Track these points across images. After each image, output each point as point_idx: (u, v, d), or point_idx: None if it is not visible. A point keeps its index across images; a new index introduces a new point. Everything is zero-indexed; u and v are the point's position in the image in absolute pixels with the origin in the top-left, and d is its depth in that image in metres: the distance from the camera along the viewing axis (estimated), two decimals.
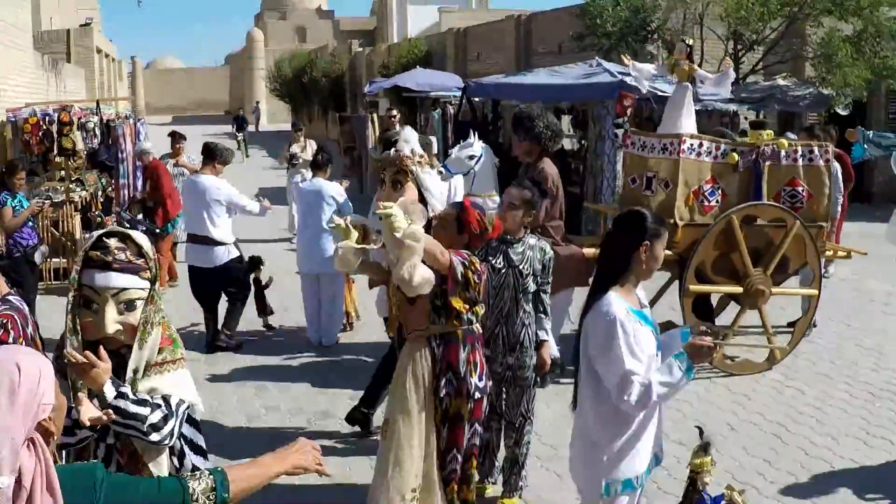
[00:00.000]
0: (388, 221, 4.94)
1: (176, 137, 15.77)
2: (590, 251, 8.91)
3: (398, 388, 5.68)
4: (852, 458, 7.63)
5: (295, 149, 18.59)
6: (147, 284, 3.44)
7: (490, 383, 5.92)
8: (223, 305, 11.04)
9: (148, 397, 3.44)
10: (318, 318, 10.92)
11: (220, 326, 10.90)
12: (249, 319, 11.44)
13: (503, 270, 6.37)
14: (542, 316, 6.58)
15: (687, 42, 10.92)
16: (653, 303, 6.84)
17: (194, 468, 3.52)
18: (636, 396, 4.24)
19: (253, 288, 11.56)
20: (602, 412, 4.48)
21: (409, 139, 5.91)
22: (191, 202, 10.95)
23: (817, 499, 6.93)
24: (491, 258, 6.35)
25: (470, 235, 5.68)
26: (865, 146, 8.29)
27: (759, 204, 9.49)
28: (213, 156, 10.90)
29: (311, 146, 18.31)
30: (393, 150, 5.91)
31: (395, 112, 21.80)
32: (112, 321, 3.36)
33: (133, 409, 3.35)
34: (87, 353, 3.29)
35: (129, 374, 3.42)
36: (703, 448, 4.96)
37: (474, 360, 5.70)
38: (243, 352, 10.66)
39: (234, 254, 10.88)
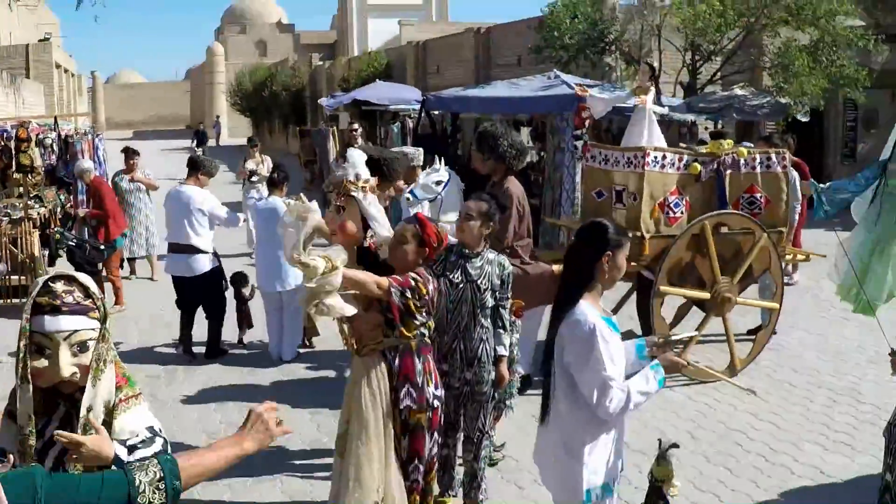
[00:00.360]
0: (305, 271, 5.06)
1: (129, 153, 15.72)
2: (559, 268, 8.91)
3: (354, 404, 5.65)
4: (813, 463, 7.68)
5: (250, 164, 18.49)
6: (97, 324, 3.38)
7: (443, 392, 5.94)
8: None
9: (144, 435, 3.40)
10: (280, 333, 10.89)
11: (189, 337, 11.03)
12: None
13: (461, 285, 6.35)
14: (501, 331, 6.56)
15: (650, 63, 11.09)
16: (613, 312, 6.86)
17: (142, 459, 3.47)
18: (616, 403, 4.34)
19: (236, 303, 11.68)
20: (582, 419, 4.51)
21: (355, 163, 5.88)
22: (173, 212, 11.04)
23: None
24: (449, 273, 6.35)
25: (430, 248, 5.71)
26: (822, 197, 8.29)
27: (730, 213, 9.63)
28: (197, 167, 11.16)
29: (267, 162, 18.27)
30: (339, 172, 5.88)
31: (356, 126, 21.75)
32: (67, 364, 3.29)
33: (148, 452, 3.32)
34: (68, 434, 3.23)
35: (83, 411, 3.36)
36: (663, 456, 4.98)
37: (429, 370, 5.77)
38: (203, 368, 10.60)
39: (214, 264, 10.99)
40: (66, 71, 45.79)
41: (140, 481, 2.80)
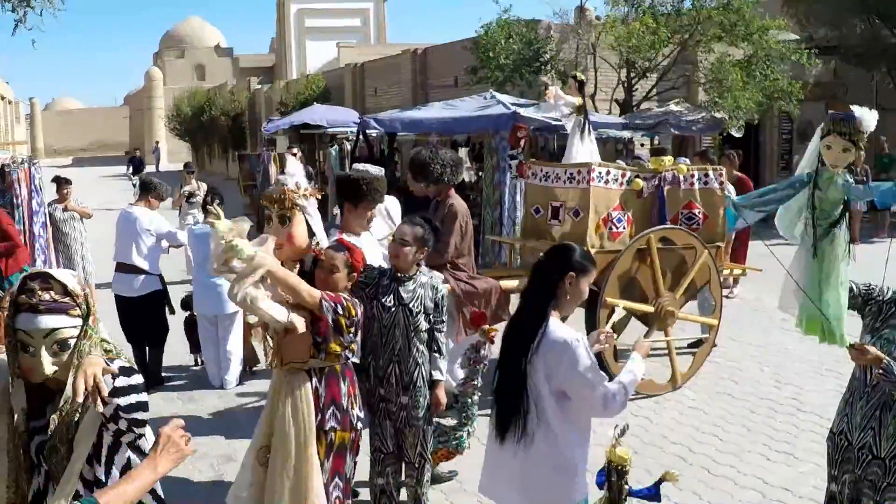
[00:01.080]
0: (232, 250, 5.06)
1: (61, 183, 15.54)
2: (507, 283, 8.91)
3: (277, 419, 5.56)
4: (755, 473, 7.74)
5: (187, 190, 18.40)
6: (78, 322, 3.46)
7: (364, 414, 5.98)
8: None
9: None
10: (219, 359, 10.79)
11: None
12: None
13: (393, 309, 6.29)
14: (437, 355, 6.50)
15: (578, 77, 11.11)
16: None
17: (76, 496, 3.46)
18: (619, 399, 4.52)
19: (184, 328, 11.67)
20: (574, 436, 4.58)
21: (293, 173, 5.87)
22: (121, 232, 11.03)
23: None
24: (381, 297, 6.31)
25: (357, 273, 5.74)
26: (734, 211, 8.26)
27: (674, 228, 9.78)
28: (147, 189, 11.26)
29: (203, 189, 18.12)
30: (276, 184, 5.83)
31: (295, 150, 21.67)
32: (48, 363, 3.38)
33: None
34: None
35: (62, 401, 3.42)
36: (619, 443, 5.05)
37: (353, 393, 5.77)
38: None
39: (158, 286, 10.97)
40: (3, 98, 45.31)
41: None
